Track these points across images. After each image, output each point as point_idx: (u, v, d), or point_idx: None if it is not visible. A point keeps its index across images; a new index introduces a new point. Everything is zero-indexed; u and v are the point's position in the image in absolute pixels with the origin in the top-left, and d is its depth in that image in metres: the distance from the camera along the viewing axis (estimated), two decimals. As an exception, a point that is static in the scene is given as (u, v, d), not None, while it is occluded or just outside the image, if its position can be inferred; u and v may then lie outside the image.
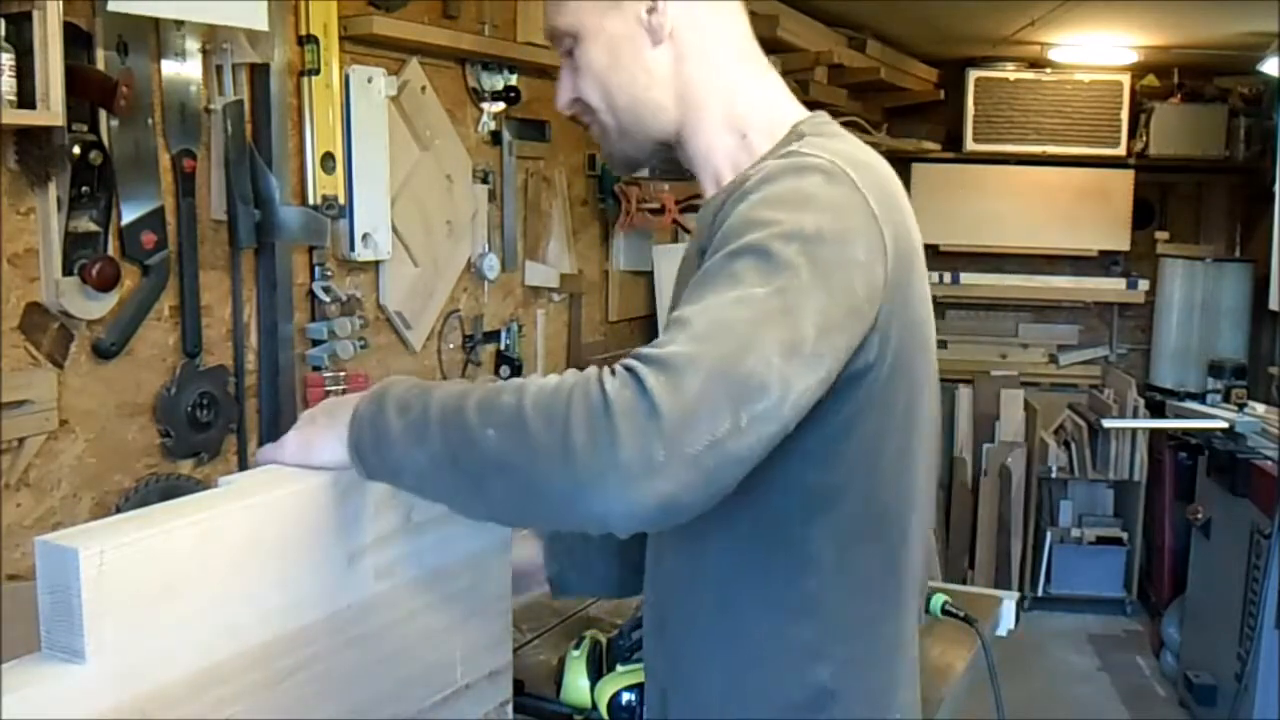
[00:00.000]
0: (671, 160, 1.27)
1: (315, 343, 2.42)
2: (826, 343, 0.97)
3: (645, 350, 0.94)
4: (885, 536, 1.16)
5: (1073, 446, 5.09)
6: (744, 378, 0.92)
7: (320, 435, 1.08)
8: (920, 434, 1.17)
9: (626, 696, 1.50)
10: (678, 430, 0.89)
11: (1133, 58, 4.86)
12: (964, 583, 4.96)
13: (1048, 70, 5.09)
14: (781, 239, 0.98)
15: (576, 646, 1.67)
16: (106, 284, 1.90)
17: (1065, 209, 5.24)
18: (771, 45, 3.67)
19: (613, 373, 0.94)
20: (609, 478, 0.89)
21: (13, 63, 1.67)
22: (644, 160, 1.26)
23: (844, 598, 1.13)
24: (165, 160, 2.06)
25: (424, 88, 2.69)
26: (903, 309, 1.09)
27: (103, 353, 1.95)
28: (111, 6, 1.81)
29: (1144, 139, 5.09)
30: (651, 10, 1.19)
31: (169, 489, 2.03)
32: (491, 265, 2.94)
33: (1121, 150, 5.13)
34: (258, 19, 2.03)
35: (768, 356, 0.93)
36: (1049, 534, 5.11)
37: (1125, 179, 5.21)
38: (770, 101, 1.23)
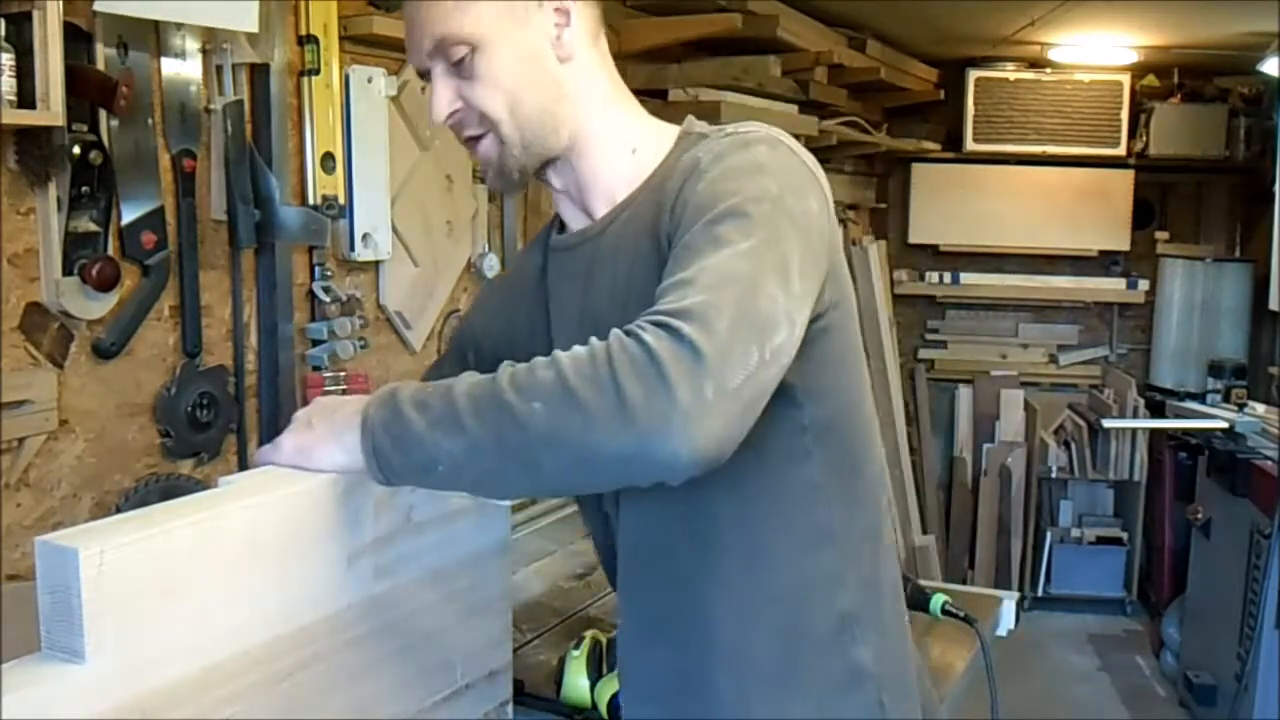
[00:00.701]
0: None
1: (315, 343, 2.42)
2: (807, 283, 1.07)
3: (662, 307, 0.99)
4: (871, 461, 1.25)
5: (1073, 446, 5.09)
6: (762, 315, 1.00)
7: (320, 442, 1.09)
8: (865, 373, 1.28)
9: (626, 696, 1.50)
10: (720, 367, 0.95)
11: (1133, 58, 4.86)
12: (964, 583, 4.96)
13: (1048, 70, 5.09)
14: (753, 201, 1.06)
15: (576, 646, 1.67)
16: (106, 284, 1.90)
17: (1065, 209, 5.24)
18: (771, 45, 3.67)
19: (639, 326, 0.98)
20: (673, 423, 0.93)
21: (13, 63, 1.67)
22: (527, 178, 1.26)
23: (849, 523, 1.21)
24: (165, 160, 2.06)
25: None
26: (837, 257, 1.19)
27: (103, 353, 1.95)
28: (99, 6, 1.80)
29: (1144, 139, 5.09)
30: (561, 25, 1.20)
31: (169, 489, 2.03)
32: (491, 265, 2.94)
33: (1121, 150, 5.13)
34: (248, 21, 2.03)
35: (773, 294, 1.02)
36: (1049, 534, 5.11)
37: (1125, 179, 5.21)
38: (643, 115, 1.28)
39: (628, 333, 0.98)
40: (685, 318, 0.96)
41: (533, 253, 1.39)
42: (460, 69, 1.19)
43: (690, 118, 1.27)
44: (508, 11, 1.18)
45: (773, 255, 1.04)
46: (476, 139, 1.23)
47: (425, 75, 1.24)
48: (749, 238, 1.03)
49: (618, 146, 1.24)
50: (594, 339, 1.00)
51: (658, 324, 0.97)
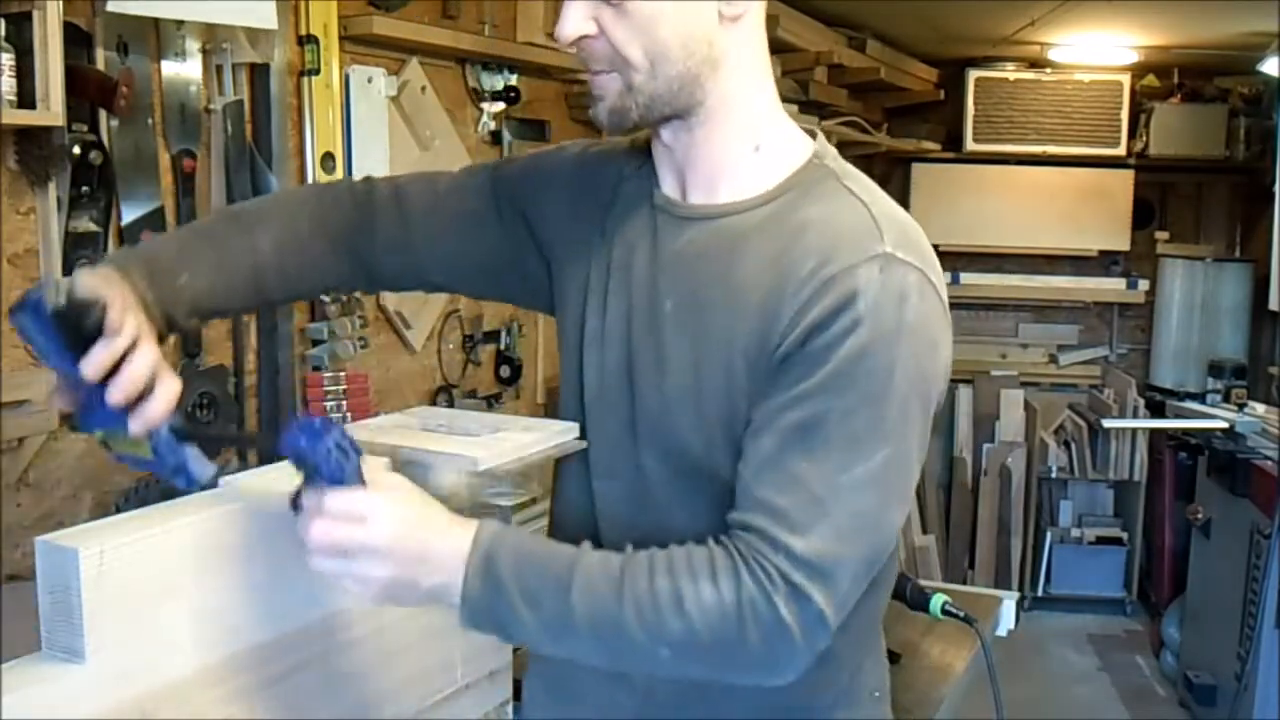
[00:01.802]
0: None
1: (315, 343, 2.42)
2: (920, 462, 1.08)
3: (795, 546, 0.99)
4: (889, 579, 1.23)
5: (1073, 446, 5.09)
6: (881, 555, 1.06)
7: (410, 596, 1.02)
8: None
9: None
10: (836, 621, 1.01)
11: (1133, 58, 4.86)
12: (964, 583, 4.95)
13: (1048, 70, 5.09)
14: (891, 390, 1.02)
15: (576, 646, 1.67)
16: (106, 284, 1.90)
17: (1065, 209, 5.24)
18: (771, 45, 3.66)
19: (766, 574, 0.99)
20: (785, 671, 1.02)
21: (13, 63, 1.67)
22: (641, 126, 1.13)
23: (851, 643, 1.18)
24: (165, 160, 2.06)
25: (424, 88, 2.69)
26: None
27: (103, 353, 1.95)
28: (112, 6, 1.80)
29: (1144, 139, 5.09)
30: None
31: (169, 489, 2.03)
32: (491, 265, 2.93)
33: (1121, 150, 5.13)
34: (267, 18, 2.03)
35: (893, 527, 1.06)
36: (1049, 534, 5.11)
37: (1125, 179, 5.21)
38: (778, 113, 1.16)
39: (759, 586, 0.98)
40: (815, 575, 0.99)
41: (598, 182, 1.23)
42: (610, 4, 1.05)
43: (821, 137, 1.16)
44: None
45: (901, 466, 1.04)
46: (600, 72, 1.09)
47: None
48: (884, 443, 1.01)
49: (744, 136, 1.12)
50: (711, 559, 1.01)
51: (789, 585, 0.98)
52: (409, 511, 1.00)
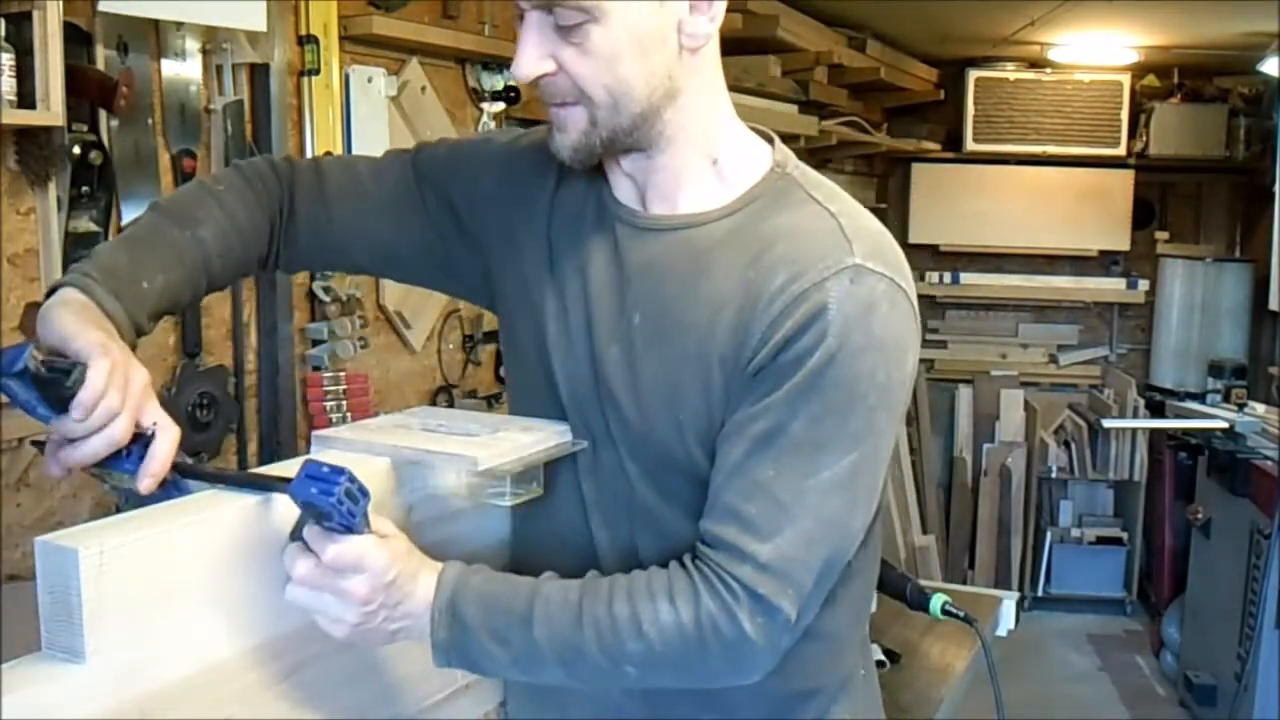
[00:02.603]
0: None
1: (315, 343, 2.42)
2: (885, 468, 1.10)
3: (761, 552, 1.01)
4: (871, 566, 1.24)
5: (1073, 446, 5.09)
6: (844, 559, 1.07)
7: (382, 640, 1.06)
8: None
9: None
10: (800, 622, 1.04)
11: (1133, 58, 4.86)
12: (964, 583, 4.96)
13: (1048, 70, 5.09)
14: (861, 398, 1.03)
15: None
16: (106, 284, 1.90)
17: (1065, 209, 5.24)
18: (772, 45, 3.67)
19: (729, 589, 1.01)
20: (757, 674, 1.05)
21: (13, 63, 1.67)
22: (596, 159, 1.11)
23: (847, 625, 1.21)
24: (165, 160, 2.06)
25: (424, 88, 2.69)
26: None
27: (103, 353, 1.95)
28: (104, 6, 1.80)
29: (1144, 139, 5.10)
30: (700, 10, 1.05)
31: (169, 489, 2.03)
32: (491, 265, 2.94)
33: (1121, 150, 5.13)
34: (256, 20, 2.03)
35: (857, 531, 1.08)
36: (1049, 534, 5.12)
37: (1125, 179, 5.21)
38: (733, 123, 1.14)
39: (720, 602, 1.01)
40: (780, 579, 1.01)
41: (535, 174, 1.20)
42: (568, 34, 1.02)
43: (778, 143, 1.15)
44: None
45: (868, 471, 1.05)
46: (563, 104, 1.07)
47: (519, 15, 1.05)
48: (850, 449, 1.03)
49: (701, 152, 1.11)
50: (666, 573, 1.04)
51: (751, 590, 1.00)
52: (393, 565, 1.01)
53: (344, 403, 2.42)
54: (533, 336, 1.18)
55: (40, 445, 1.08)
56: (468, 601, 1.03)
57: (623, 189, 1.15)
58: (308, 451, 1.16)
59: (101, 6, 1.81)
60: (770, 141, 1.16)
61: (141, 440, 1.04)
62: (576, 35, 1.02)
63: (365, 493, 0.98)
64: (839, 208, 1.09)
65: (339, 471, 0.97)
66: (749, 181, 1.11)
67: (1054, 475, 5.12)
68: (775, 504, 1.01)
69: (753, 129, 1.16)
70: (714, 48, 1.10)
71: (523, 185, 1.21)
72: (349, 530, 0.98)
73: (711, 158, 1.12)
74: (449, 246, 1.26)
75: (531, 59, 1.04)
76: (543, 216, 1.19)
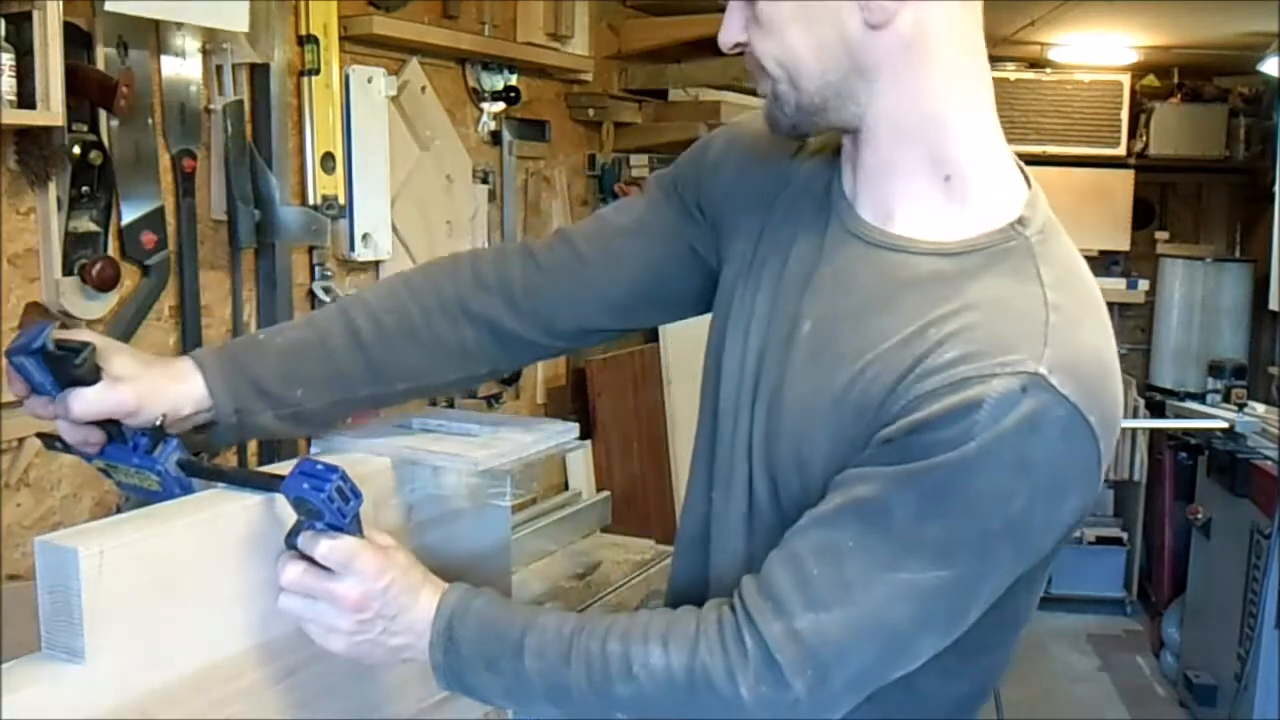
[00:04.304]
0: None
1: (315, 343, 2.42)
2: (988, 604, 0.95)
3: (795, 614, 0.90)
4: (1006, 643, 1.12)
5: (1073, 446, 5.09)
6: (892, 674, 0.93)
7: (380, 659, 1.05)
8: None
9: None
10: (818, 710, 0.92)
11: (1133, 58, 4.85)
12: (964, 583, 4.95)
13: (1048, 70, 5.09)
14: (980, 520, 0.89)
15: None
16: (106, 284, 1.90)
17: (1065, 209, 5.09)
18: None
19: (738, 641, 0.91)
20: None
21: (13, 63, 1.67)
22: (808, 135, 1.05)
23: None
24: (165, 160, 2.06)
25: (424, 88, 2.69)
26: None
27: (103, 353, 1.95)
28: (110, 6, 1.80)
29: (1144, 139, 5.09)
30: None
31: (169, 489, 2.03)
32: (491, 265, 2.93)
33: (1121, 150, 5.13)
34: (239, 20, 2.02)
35: (919, 652, 0.93)
36: (1049, 534, 5.11)
37: (1125, 179, 5.21)
38: (990, 144, 1.00)
39: (725, 659, 0.91)
40: (803, 664, 0.90)
41: (776, 145, 1.12)
42: (749, 6, 0.99)
43: (1036, 190, 1.03)
44: None
45: (954, 599, 0.91)
46: (762, 78, 1.02)
47: None
48: (944, 565, 0.89)
49: (927, 161, 0.98)
50: (672, 617, 0.96)
51: (769, 654, 0.90)
52: (387, 571, 0.99)
53: (344, 403, 2.41)
54: (722, 309, 1.11)
55: (45, 438, 1.08)
56: (465, 626, 1.00)
57: (846, 177, 1.05)
58: (308, 452, 1.16)
59: (109, 6, 1.80)
60: (1029, 185, 1.03)
61: (149, 433, 1.04)
62: (754, 8, 0.98)
63: (358, 494, 0.99)
64: (1061, 299, 0.93)
65: (332, 469, 0.97)
66: (985, 225, 0.97)
67: (1054, 475, 5.11)
68: (839, 576, 0.90)
69: (1018, 166, 1.04)
70: (937, 37, 0.96)
71: (760, 158, 1.14)
72: (341, 531, 0.98)
73: (943, 173, 0.98)
74: (706, 253, 1.17)
75: (731, 26, 1.01)
76: (775, 184, 1.11)
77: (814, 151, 1.10)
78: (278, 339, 1.14)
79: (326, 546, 0.97)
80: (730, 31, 1.01)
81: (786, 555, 0.93)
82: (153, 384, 1.06)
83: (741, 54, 1.03)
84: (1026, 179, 1.03)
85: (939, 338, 0.91)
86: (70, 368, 1.00)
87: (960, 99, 0.98)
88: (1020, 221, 0.98)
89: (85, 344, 1.01)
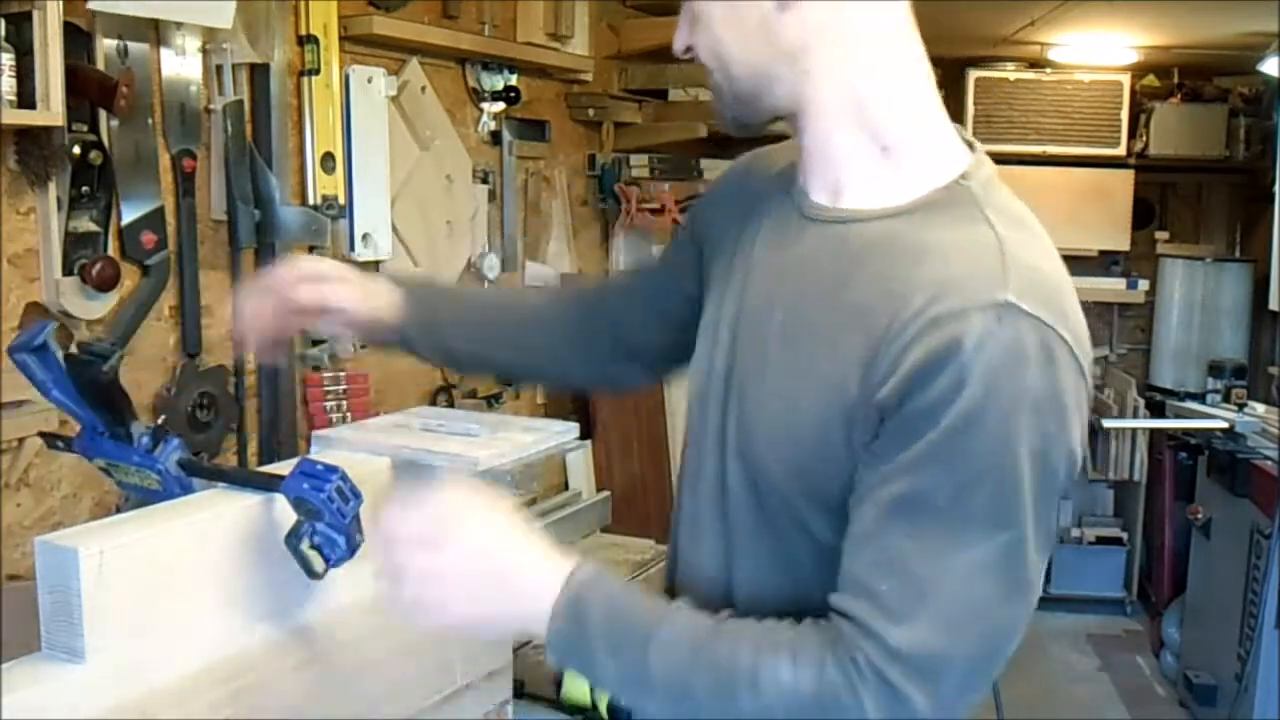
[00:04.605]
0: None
1: (315, 343, 2.42)
2: (1048, 549, 0.95)
3: (892, 637, 0.88)
4: None
5: (1073, 446, 5.08)
6: (998, 656, 0.93)
7: (493, 624, 0.99)
8: None
9: (626, 696, 1.49)
10: (945, 713, 0.90)
11: (1133, 58, 4.85)
12: (964, 583, 4.94)
13: (1048, 70, 5.09)
14: (1010, 466, 0.88)
15: (576, 646, 1.67)
16: (106, 284, 1.90)
17: (1065, 209, 5.23)
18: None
19: (856, 667, 0.88)
20: None
21: (13, 63, 1.67)
22: (757, 127, 1.08)
23: None
24: (165, 160, 2.06)
25: (424, 88, 2.69)
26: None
27: (103, 353, 1.95)
28: (93, 5, 1.80)
29: (1144, 139, 5.09)
30: None
31: (169, 489, 2.03)
32: (491, 265, 2.94)
33: (1121, 150, 5.13)
34: (223, 18, 2.02)
35: (1015, 622, 0.92)
36: (1049, 534, 5.11)
37: (1125, 179, 5.21)
38: (922, 114, 1.05)
39: (846, 678, 0.88)
40: (915, 673, 0.87)
41: (762, 161, 1.20)
42: (693, 6, 1.05)
43: (980, 153, 1.06)
44: None
45: (1021, 554, 0.90)
46: (707, 72, 1.07)
47: None
48: (1000, 528, 0.88)
49: (864, 134, 1.01)
50: (804, 644, 0.91)
51: (881, 681, 0.87)
52: (502, 532, 0.96)
53: (344, 403, 2.42)
54: (703, 321, 1.14)
55: (46, 437, 1.09)
56: (595, 602, 0.95)
57: (800, 166, 1.08)
58: (308, 452, 1.17)
59: (91, 5, 1.80)
60: (974, 149, 1.06)
61: (151, 432, 1.04)
62: (693, 8, 1.04)
63: (358, 494, 0.98)
64: (1011, 233, 0.96)
65: (332, 470, 0.97)
66: (929, 185, 1.00)
67: (1054, 475, 5.11)
68: (911, 582, 0.88)
69: (963, 138, 1.07)
70: (860, 14, 1.00)
71: (746, 186, 1.18)
72: (340, 531, 0.98)
73: (879, 145, 1.01)
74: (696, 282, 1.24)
75: (680, 34, 1.07)
76: (750, 213, 1.14)
77: (789, 169, 1.12)
78: (463, 289, 1.24)
79: (417, 522, 0.92)
80: (680, 36, 1.07)
81: (851, 583, 0.92)
82: (369, 285, 1.28)
83: (693, 60, 1.07)
84: (972, 149, 1.06)
85: (903, 291, 0.92)
86: (96, 373, 1.01)
87: (887, 74, 1.02)
88: (964, 176, 1.01)
89: (112, 350, 1.02)
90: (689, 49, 1.06)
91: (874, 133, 1.01)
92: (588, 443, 3.26)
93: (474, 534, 0.94)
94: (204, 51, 2.11)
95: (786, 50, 1.00)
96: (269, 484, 1.01)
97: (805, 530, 0.99)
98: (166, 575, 0.94)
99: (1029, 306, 0.89)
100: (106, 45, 1.92)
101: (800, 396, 0.97)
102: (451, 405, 2.81)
